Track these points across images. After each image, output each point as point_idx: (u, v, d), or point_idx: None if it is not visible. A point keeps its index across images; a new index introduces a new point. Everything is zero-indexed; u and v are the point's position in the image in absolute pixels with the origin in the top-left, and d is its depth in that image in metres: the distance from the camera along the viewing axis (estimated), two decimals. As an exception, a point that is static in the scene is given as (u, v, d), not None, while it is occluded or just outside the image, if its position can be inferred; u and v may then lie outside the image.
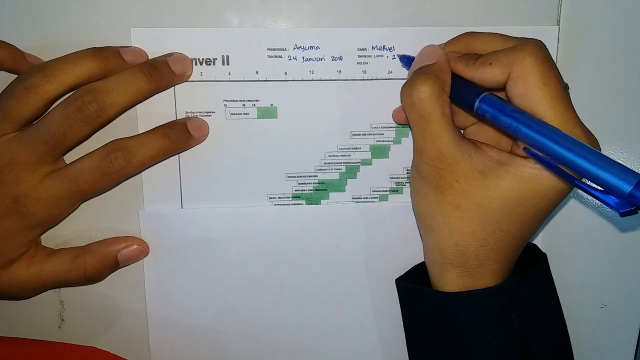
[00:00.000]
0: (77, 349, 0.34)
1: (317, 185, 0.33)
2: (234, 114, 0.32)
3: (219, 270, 0.33)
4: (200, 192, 0.33)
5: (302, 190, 0.33)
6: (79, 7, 0.31)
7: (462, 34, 0.30)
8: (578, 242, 0.35)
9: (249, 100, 0.32)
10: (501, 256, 0.29)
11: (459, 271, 0.29)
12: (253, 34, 0.31)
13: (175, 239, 0.33)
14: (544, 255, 0.32)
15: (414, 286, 0.31)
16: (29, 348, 0.32)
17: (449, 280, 0.29)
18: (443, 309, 0.29)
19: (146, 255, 0.33)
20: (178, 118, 0.32)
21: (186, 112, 0.32)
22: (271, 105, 0.32)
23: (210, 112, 0.32)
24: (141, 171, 0.31)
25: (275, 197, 0.33)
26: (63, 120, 0.27)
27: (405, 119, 0.31)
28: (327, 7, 0.32)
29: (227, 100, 0.32)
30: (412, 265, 0.33)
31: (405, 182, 0.34)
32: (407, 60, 0.31)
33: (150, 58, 0.30)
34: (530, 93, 0.26)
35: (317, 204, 0.34)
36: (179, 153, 0.32)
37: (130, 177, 0.31)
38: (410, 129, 0.31)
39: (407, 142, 0.33)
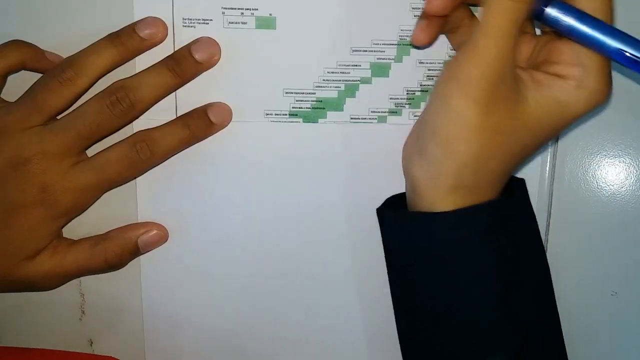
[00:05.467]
0: (94, 358, 0.34)
1: (314, 103, 0.33)
2: (232, 23, 0.31)
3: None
4: (194, 105, 0.32)
5: (299, 107, 0.33)
6: None
7: None
8: (588, 229, 0.35)
9: (248, 9, 0.31)
10: (507, 175, 0.28)
11: (465, 192, 0.28)
12: None
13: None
14: (522, 180, 0.31)
15: (405, 212, 0.30)
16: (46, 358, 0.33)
17: (452, 202, 0.28)
18: (438, 231, 0.28)
19: (166, 241, 0.33)
20: (175, 28, 0.31)
21: (183, 19, 0.31)
22: (270, 14, 0.31)
23: (207, 20, 0.31)
24: (164, 160, 0.32)
25: (271, 114, 0.33)
26: (98, 113, 0.29)
27: (428, 38, 0.29)
28: None
29: (225, 8, 0.31)
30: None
31: (405, 104, 0.33)
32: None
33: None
34: None
35: (315, 122, 0.33)
36: (202, 140, 0.32)
37: (154, 166, 0.32)
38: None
39: (409, 60, 0.32)
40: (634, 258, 0.35)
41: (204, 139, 0.32)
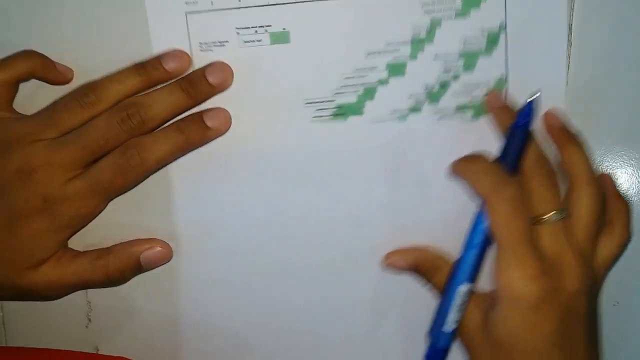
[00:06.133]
0: (105, 359, 0.35)
1: (335, 110, 0.33)
2: (247, 42, 0.32)
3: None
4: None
5: (320, 116, 0.33)
6: None
7: None
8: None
9: (261, 26, 0.32)
10: None
11: None
12: None
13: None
14: None
15: None
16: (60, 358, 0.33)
17: None
18: None
19: (169, 260, 0.33)
20: (193, 53, 0.32)
21: (200, 43, 0.32)
22: (283, 29, 0.32)
23: (223, 42, 0.32)
24: (162, 167, 0.32)
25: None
26: (107, 128, 0.30)
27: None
28: None
29: (239, 28, 0.32)
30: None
31: (424, 101, 0.33)
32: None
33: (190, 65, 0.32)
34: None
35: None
36: (199, 147, 0.32)
37: (151, 173, 0.31)
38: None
39: (423, 57, 0.33)
40: (636, 269, 0.35)
41: (201, 145, 0.32)
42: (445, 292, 0.31)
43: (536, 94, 0.31)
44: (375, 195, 0.34)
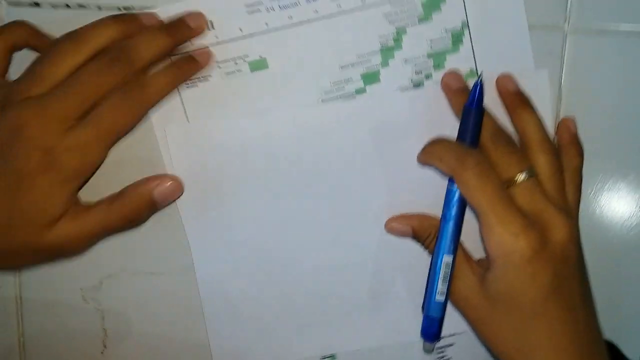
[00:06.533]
0: None
1: (319, 121, 0.35)
2: (229, 73, 0.34)
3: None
4: (204, 109, 0.35)
5: (307, 129, 0.35)
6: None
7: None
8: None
9: (239, 57, 0.34)
10: None
11: None
12: None
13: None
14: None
15: None
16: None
17: None
18: None
19: (182, 193, 0.34)
20: (180, 91, 0.34)
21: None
22: (260, 57, 0.34)
23: (207, 76, 0.34)
24: (159, 100, 0.33)
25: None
26: (96, 74, 0.30)
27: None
28: None
29: (219, 62, 0.34)
30: None
31: (402, 103, 0.35)
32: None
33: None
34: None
35: (324, 141, 0.35)
36: (189, 78, 0.34)
37: (149, 108, 0.32)
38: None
39: (394, 63, 0.35)
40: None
41: (191, 76, 0.33)
42: (431, 266, 0.32)
43: (481, 73, 0.33)
44: (372, 178, 0.35)
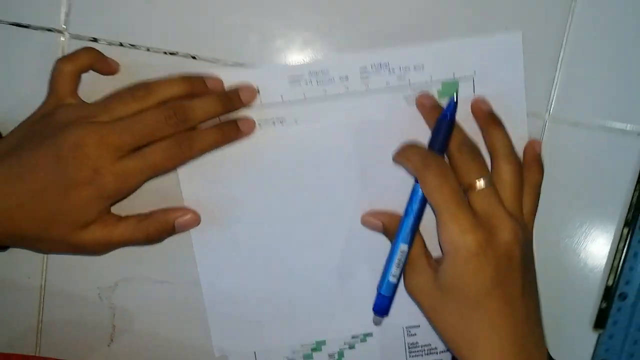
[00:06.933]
0: None
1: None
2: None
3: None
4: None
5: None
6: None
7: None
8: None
9: (277, 119, 0.39)
10: None
11: None
12: (276, 68, 0.38)
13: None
14: None
15: None
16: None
17: None
18: None
19: (197, 225, 0.39)
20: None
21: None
22: (295, 121, 0.39)
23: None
24: (200, 156, 0.37)
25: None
26: (154, 122, 0.35)
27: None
28: (331, 36, 0.39)
29: (260, 122, 0.39)
30: None
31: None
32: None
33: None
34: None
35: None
36: (230, 143, 0.38)
37: (190, 161, 0.37)
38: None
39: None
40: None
41: (232, 142, 0.38)
42: (390, 251, 0.37)
43: (457, 91, 0.38)
44: (352, 178, 0.40)
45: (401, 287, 0.38)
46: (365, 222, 0.40)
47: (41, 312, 0.42)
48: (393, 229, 0.38)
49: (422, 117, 0.39)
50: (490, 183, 0.35)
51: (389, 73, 0.39)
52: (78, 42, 0.39)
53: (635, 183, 0.40)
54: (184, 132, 0.36)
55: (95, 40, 0.39)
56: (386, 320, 0.40)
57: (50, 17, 0.39)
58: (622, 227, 0.41)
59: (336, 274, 0.41)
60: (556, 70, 0.40)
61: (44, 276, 0.42)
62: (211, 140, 0.37)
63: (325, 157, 0.40)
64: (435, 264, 0.36)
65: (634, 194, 0.40)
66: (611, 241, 0.41)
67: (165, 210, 0.38)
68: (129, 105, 0.35)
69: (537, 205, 0.38)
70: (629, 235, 0.40)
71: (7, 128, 0.38)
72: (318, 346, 0.42)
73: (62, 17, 0.39)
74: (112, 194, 0.35)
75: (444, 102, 0.38)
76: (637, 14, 0.39)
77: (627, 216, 0.40)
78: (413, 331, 0.42)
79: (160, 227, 0.38)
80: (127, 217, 0.37)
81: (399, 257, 0.36)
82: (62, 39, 0.39)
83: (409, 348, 0.42)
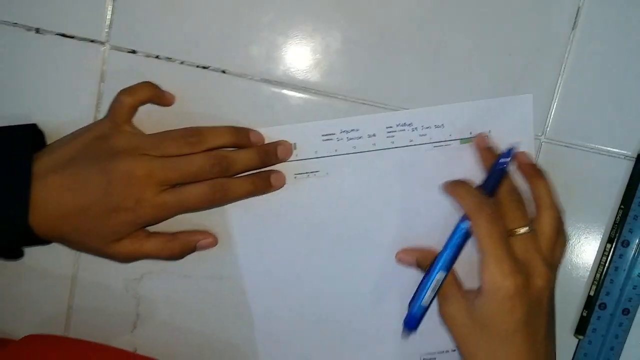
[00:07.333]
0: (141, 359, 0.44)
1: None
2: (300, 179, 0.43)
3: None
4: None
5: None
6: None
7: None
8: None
9: (311, 172, 0.43)
10: None
11: None
12: (312, 126, 0.42)
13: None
14: None
15: None
16: (105, 353, 0.43)
17: None
18: None
19: (215, 245, 0.43)
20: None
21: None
22: (327, 173, 0.43)
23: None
24: (231, 203, 0.42)
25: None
26: (199, 167, 0.38)
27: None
28: (361, 99, 0.43)
29: (296, 174, 0.43)
30: None
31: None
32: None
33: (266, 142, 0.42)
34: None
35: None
36: (261, 194, 0.42)
37: (222, 204, 0.42)
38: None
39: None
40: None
41: (263, 194, 0.41)
42: (426, 275, 0.40)
43: (514, 144, 0.41)
44: (389, 209, 0.43)
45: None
46: (400, 260, 0.43)
47: (71, 299, 0.46)
48: (425, 262, 0.41)
49: (443, 159, 0.43)
50: (531, 230, 0.39)
51: (412, 131, 0.42)
52: (117, 53, 0.42)
53: (619, 203, 0.44)
54: (221, 179, 0.39)
55: (134, 52, 0.42)
56: (403, 349, 0.44)
57: (94, 29, 0.42)
58: (605, 242, 0.45)
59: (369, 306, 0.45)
60: (553, 97, 0.44)
61: (76, 266, 0.45)
62: (243, 191, 0.40)
63: (353, 202, 0.43)
64: (470, 295, 0.39)
65: (617, 212, 0.44)
66: (595, 255, 0.45)
67: (190, 233, 0.42)
68: (181, 148, 0.39)
69: (564, 254, 0.41)
70: (612, 251, 0.44)
71: (49, 134, 0.42)
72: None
73: (105, 29, 0.42)
74: (147, 222, 0.39)
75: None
76: (632, 51, 0.43)
77: (610, 233, 0.44)
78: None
79: (185, 248, 0.42)
80: (155, 235, 0.41)
81: (435, 283, 0.39)
82: (103, 49, 0.42)
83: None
